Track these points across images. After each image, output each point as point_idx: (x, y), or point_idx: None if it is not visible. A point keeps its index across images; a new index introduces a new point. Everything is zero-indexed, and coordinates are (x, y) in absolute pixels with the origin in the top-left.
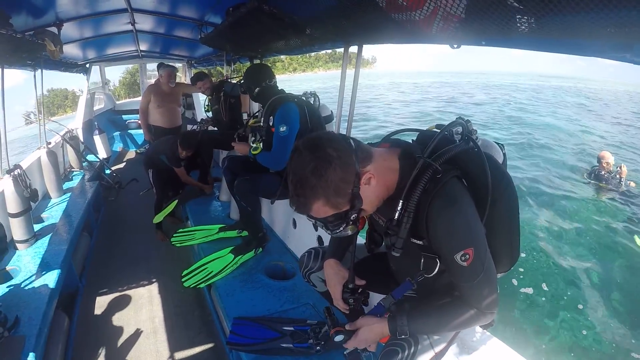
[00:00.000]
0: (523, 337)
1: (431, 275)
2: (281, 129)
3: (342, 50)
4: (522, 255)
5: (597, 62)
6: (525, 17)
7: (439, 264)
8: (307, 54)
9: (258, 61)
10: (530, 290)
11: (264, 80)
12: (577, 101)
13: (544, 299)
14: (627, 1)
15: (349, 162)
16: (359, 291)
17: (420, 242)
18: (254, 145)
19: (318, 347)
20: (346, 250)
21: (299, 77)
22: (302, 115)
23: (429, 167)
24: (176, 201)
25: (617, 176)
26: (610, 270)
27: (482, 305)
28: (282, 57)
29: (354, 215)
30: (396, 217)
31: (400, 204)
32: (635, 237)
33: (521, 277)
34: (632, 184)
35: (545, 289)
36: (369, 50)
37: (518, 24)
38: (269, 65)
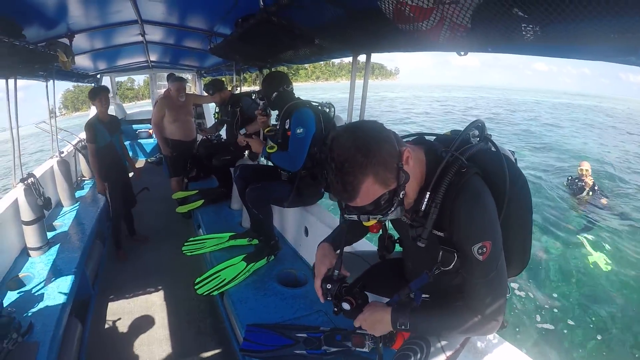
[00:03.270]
0: (535, 343)
1: (448, 268)
2: (298, 131)
3: (364, 60)
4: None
5: (621, 81)
6: (531, 26)
7: (456, 258)
8: (330, 63)
9: (267, 71)
10: (540, 296)
11: (280, 85)
12: (597, 119)
13: (555, 308)
14: (629, 8)
15: (390, 139)
16: (343, 285)
17: (442, 234)
18: (270, 144)
19: (333, 349)
20: (345, 244)
21: (322, 86)
22: (317, 121)
23: (455, 162)
24: (202, 201)
25: (593, 189)
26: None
27: (488, 309)
28: (306, 65)
29: (402, 193)
30: (423, 208)
31: (427, 195)
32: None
33: (530, 282)
34: (604, 201)
35: (555, 295)
36: (392, 61)
37: (523, 32)
38: (293, 72)
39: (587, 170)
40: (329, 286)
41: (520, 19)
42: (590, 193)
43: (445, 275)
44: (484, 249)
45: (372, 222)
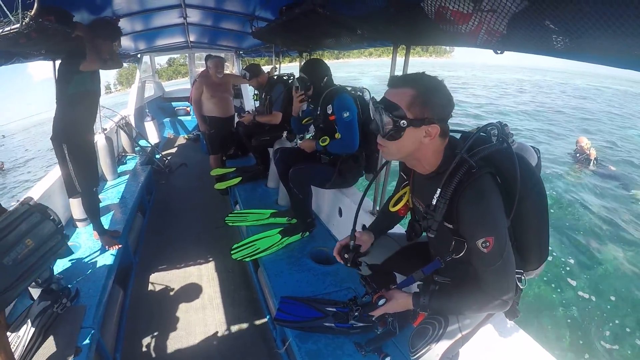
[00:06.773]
0: (547, 332)
1: (459, 256)
2: (345, 115)
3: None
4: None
5: None
6: (561, 37)
7: (466, 247)
8: None
9: (307, 55)
10: (557, 288)
11: (325, 75)
12: None
13: (568, 296)
14: None
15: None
16: (356, 253)
17: (451, 226)
18: (322, 137)
19: (356, 313)
20: (383, 232)
21: (375, 62)
22: (355, 105)
23: (465, 162)
24: (240, 178)
25: (589, 158)
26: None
27: (495, 291)
28: None
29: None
30: (434, 203)
31: (438, 191)
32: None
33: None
34: (612, 167)
35: (572, 284)
36: None
37: (554, 42)
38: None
39: (587, 144)
40: (346, 255)
41: (551, 31)
42: (595, 163)
43: (460, 264)
44: (487, 243)
45: (399, 207)
